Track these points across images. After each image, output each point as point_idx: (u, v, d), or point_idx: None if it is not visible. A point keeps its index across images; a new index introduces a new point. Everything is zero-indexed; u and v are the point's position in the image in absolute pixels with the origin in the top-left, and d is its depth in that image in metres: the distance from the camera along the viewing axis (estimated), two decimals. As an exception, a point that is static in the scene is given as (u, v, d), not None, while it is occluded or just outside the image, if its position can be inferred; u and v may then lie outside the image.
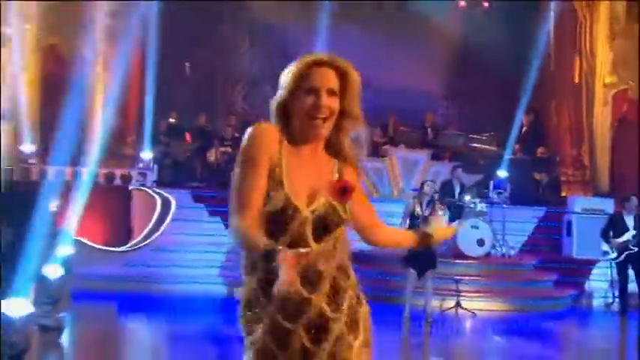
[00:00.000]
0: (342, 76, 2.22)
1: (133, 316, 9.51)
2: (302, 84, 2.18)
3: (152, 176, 12.42)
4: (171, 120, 14.72)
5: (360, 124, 2.32)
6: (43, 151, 12.79)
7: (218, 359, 7.79)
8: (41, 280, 7.87)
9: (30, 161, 12.56)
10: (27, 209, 8.59)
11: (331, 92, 2.19)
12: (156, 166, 12.72)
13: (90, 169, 11.91)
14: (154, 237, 11.28)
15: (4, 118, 12.71)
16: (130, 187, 12.10)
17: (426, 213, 8.72)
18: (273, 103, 2.22)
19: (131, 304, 9.73)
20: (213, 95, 16.08)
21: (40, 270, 7.69)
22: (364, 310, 2.34)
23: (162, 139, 13.75)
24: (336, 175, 2.29)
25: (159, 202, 11.62)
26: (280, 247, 2.02)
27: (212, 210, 11.46)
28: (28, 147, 12.69)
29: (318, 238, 2.17)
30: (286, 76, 2.21)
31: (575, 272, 11.56)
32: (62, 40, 13.66)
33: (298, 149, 2.24)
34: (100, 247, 11.01)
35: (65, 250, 9.36)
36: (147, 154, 12.81)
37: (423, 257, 8.50)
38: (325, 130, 2.22)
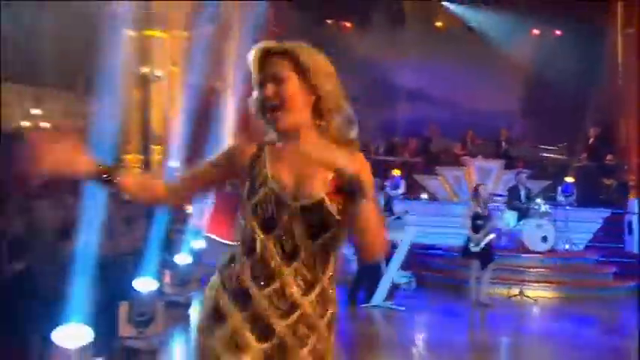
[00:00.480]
0: (296, 60, 1.90)
1: None
2: (253, 79, 1.95)
3: None
4: None
5: (341, 104, 1.95)
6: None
7: None
8: (173, 266, 8.67)
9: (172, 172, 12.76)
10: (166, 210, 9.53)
11: (278, 79, 1.89)
12: None
13: None
14: None
15: (156, 141, 13.82)
16: None
17: (485, 213, 9.15)
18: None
19: None
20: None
21: (172, 258, 8.57)
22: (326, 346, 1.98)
23: None
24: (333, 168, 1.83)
25: None
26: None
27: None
28: (173, 163, 13.05)
29: (309, 237, 1.87)
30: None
31: (636, 267, 11.20)
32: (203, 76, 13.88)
33: (281, 144, 1.95)
34: (226, 242, 11.25)
35: (198, 243, 10.24)
36: None
37: (484, 251, 8.82)
38: (284, 119, 1.89)
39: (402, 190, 12.52)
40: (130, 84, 13.42)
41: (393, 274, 8.55)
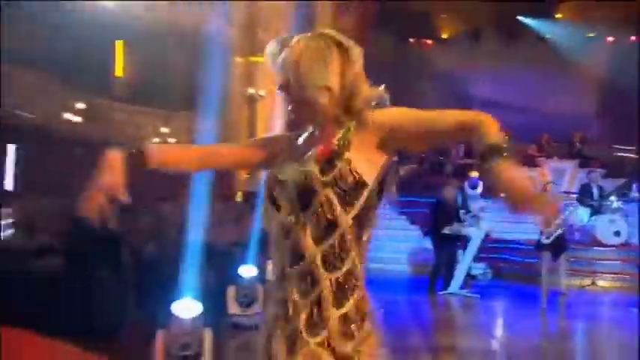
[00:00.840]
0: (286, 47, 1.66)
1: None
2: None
3: None
4: None
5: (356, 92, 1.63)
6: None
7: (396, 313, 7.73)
8: (236, 280, 6.79)
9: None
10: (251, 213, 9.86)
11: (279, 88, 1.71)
12: None
13: None
14: None
15: None
16: None
17: None
18: None
19: None
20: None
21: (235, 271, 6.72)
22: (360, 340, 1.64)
23: None
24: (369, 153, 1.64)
25: None
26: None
27: (400, 211, 12.03)
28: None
29: (304, 207, 1.59)
30: None
31: None
32: None
33: (296, 138, 1.75)
34: None
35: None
36: None
37: (555, 244, 8.65)
38: (295, 118, 1.70)
39: (479, 189, 12.51)
40: (240, 103, 14.24)
41: (467, 264, 8.68)
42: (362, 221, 1.63)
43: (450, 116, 1.65)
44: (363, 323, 1.67)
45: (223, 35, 13.83)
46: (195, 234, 5.18)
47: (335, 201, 1.58)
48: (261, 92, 13.98)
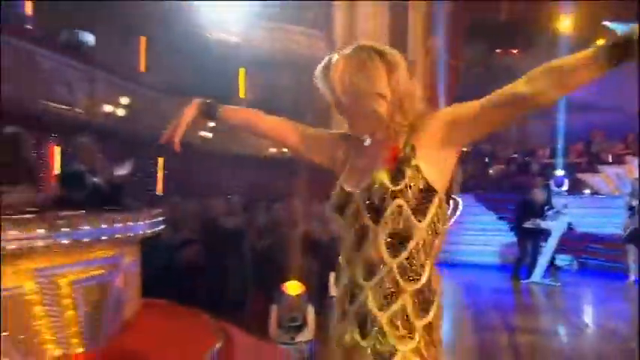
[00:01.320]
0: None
1: (458, 274, 9.11)
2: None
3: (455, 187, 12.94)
4: (463, 148, 15.56)
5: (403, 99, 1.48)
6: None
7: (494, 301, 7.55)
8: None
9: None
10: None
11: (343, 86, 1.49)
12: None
13: None
14: (449, 223, 12.05)
15: None
16: None
17: (632, 203, 8.66)
18: None
19: (445, 266, 10.10)
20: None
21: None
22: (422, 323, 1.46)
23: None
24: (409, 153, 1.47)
25: (451, 202, 12.38)
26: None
27: (487, 206, 11.82)
28: None
29: (375, 218, 1.44)
30: None
31: None
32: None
33: (358, 144, 1.56)
34: None
35: None
36: None
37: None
38: (355, 124, 1.54)
39: (565, 187, 12.03)
40: (342, 119, 14.62)
41: (548, 256, 8.45)
42: (435, 228, 1.46)
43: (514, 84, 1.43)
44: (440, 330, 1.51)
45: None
46: (302, 229, 5.67)
47: (408, 210, 1.42)
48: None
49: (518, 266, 8.53)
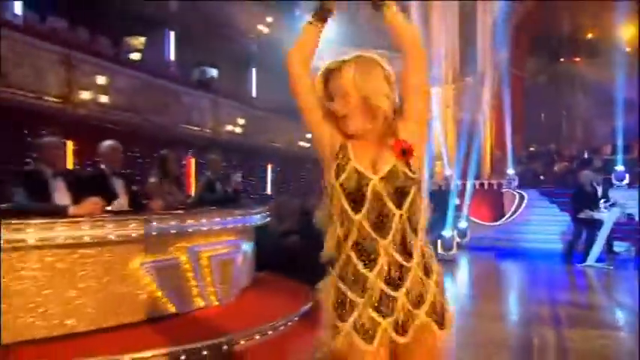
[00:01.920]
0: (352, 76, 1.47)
1: (503, 259, 9.46)
2: (321, 94, 1.53)
3: (514, 183, 12.42)
4: (531, 149, 14.93)
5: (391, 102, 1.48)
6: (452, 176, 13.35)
7: (551, 280, 7.51)
8: (442, 237, 8.90)
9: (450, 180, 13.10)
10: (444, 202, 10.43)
11: (342, 94, 1.47)
12: (517, 177, 12.60)
13: (474, 181, 12.83)
14: (514, 216, 11.58)
15: (437, 158, 13.96)
16: (502, 190, 12.51)
17: None
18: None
19: (502, 253, 9.81)
20: (559, 129, 15.80)
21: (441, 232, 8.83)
22: (434, 279, 1.48)
23: (523, 161, 13.94)
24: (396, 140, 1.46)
25: (517, 197, 11.90)
26: None
27: (551, 200, 11.44)
28: (448, 171, 13.52)
29: (398, 204, 1.43)
30: None
31: None
32: (466, 112, 14.03)
33: (360, 138, 1.49)
34: (484, 222, 11.70)
35: (463, 224, 10.94)
36: (510, 171, 12.85)
37: None
38: (351, 126, 1.48)
39: (626, 181, 11.48)
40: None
41: (601, 243, 8.28)
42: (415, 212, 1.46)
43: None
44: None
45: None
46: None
47: (418, 195, 1.45)
48: (433, 114, 14.30)
49: (570, 252, 8.44)
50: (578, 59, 15.14)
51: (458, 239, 10.48)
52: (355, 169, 1.44)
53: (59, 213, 3.16)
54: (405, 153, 1.42)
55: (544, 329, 4.67)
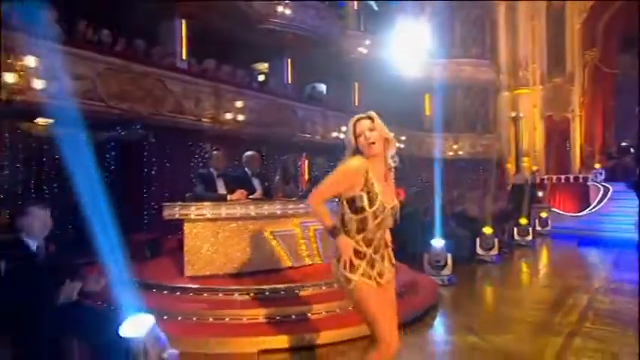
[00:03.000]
0: (372, 121, 2.19)
1: (585, 246, 9.51)
2: (353, 133, 2.20)
3: (600, 177, 12.30)
4: (623, 143, 14.23)
5: (392, 144, 2.23)
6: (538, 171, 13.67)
7: (615, 262, 7.65)
8: (518, 225, 9.42)
9: (536, 175, 13.27)
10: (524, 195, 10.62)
11: (372, 129, 2.17)
12: (603, 171, 12.45)
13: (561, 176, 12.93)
14: (597, 208, 11.60)
15: (525, 154, 14.58)
16: (588, 183, 12.46)
17: None
18: (350, 146, 2.24)
19: (583, 241, 9.90)
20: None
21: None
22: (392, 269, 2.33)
23: (614, 156, 13.51)
24: (392, 181, 2.31)
25: (602, 189, 11.83)
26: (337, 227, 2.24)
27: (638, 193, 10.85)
28: (535, 167, 13.48)
29: (392, 221, 2.25)
30: (350, 131, 2.23)
31: None
32: (555, 111, 14.57)
33: (370, 161, 2.20)
34: (567, 213, 11.84)
35: (544, 214, 11.23)
36: (597, 165, 12.82)
37: None
38: (376, 149, 2.18)
39: None
40: (508, 123, 14.89)
41: None
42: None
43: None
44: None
45: (494, 80, 14.67)
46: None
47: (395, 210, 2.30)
48: (521, 114, 14.36)
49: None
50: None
51: (539, 228, 10.77)
52: (382, 203, 2.18)
53: (222, 199, 4.65)
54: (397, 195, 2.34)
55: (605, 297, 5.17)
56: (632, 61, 14.04)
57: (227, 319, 3.91)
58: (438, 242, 6.06)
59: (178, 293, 4.26)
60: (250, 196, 4.87)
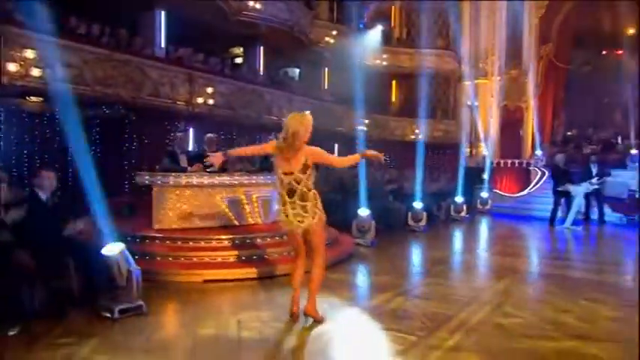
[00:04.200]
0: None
1: (519, 222, 10.87)
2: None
3: (541, 163, 13.55)
4: (569, 133, 15.72)
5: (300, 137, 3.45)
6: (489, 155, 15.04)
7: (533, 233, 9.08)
8: (454, 203, 11.03)
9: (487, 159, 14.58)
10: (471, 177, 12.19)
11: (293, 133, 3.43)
12: (543, 157, 13.65)
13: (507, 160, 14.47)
14: (533, 189, 12.93)
15: (484, 140, 15.95)
16: (530, 168, 13.79)
17: None
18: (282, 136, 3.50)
19: (513, 217, 11.49)
20: (597, 115, 16.18)
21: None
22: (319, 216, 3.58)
23: (558, 144, 14.85)
24: (303, 159, 3.52)
25: (539, 173, 13.18)
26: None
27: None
28: (486, 152, 15.00)
29: (297, 184, 3.54)
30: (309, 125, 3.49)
31: None
32: (510, 102, 15.83)
33: (283, 151, 3.55)
34: (506, 194, 13.25)
35: (484, 194, 12.84)
36: (538, 152, 14.00)
37: None
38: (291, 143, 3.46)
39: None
40: (465, 110, 16.32)
41: (574, 211, 9.61)
42: (307, 184, 3.55)
43: (332, 159, 3.68)
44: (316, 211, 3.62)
45: (456, 70, 16.09)
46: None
47: (305, 182, 3.55)
48: (476, 103, 15.81)
49: (552, 217, 10.00)
50: (620, 52, 15.44)
51: (480, 206, 12.39)
52: (283, 171, 3.56)
53: (183, 171, 6.13)
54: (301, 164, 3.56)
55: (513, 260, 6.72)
56: (583, 57, 15.54)
57: (182, 259, 5.45)
58: (363, 211, 7.57)
59: (147, 241, 5.77)
60: (207, 170, 6.35)
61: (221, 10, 10.79)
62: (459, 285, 5.42)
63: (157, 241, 5.74)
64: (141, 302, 4.09)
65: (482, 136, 15.49)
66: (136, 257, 5.05)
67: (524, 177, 13.87)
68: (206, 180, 6.09)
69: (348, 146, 14.57)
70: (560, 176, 9.92)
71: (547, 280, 5.66)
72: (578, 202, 9.77)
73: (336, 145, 15.03)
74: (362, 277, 5.76)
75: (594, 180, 10.09)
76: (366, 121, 14.33)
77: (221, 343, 3.54)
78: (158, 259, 5.46)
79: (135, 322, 3.92)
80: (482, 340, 3.60)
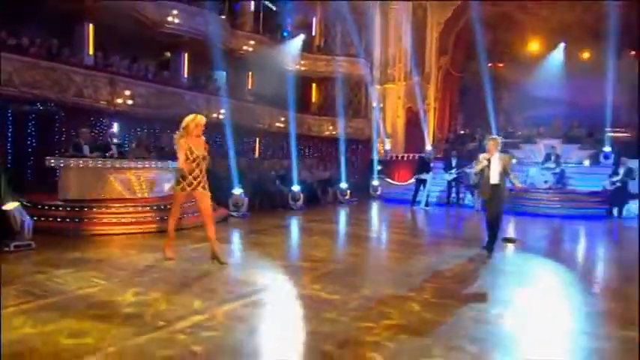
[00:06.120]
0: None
1: (394, 204, 12.89)
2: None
3: (429, 156, 16.41)
4: (462, 132, 18.57)
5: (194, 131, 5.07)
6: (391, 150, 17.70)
7: (400, 213, 12.39)
8: (338, 188, 13.99)
9: (390, 153, 17.36)
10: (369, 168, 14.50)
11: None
12: (432, 151, 16.59)
13: (404, 154, 16.85)
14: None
15: (388, 137, 18.60)
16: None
17: None
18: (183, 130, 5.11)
19: (395, 201, 13.52)
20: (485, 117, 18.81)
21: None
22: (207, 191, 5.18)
23: (450, 141, 17.59)
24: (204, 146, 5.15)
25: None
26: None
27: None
28: (388, 148, 17.43)
29: (201, 162, 5.10)
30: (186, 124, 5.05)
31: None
32: (413, 104, 18.67)
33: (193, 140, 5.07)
34: (396, 182, 15.54)
35: (375, 182, 15.23)
36: (428, 147, 16.63)
37: None
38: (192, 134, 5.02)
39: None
40: (374, 111, 18.63)
41: (425, 194, 12.17)
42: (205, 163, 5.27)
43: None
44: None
45: (367, 75, 18.40)
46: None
47: (205, 160, 5.28)
48: (381, 105, 18.19)
49: (413, 199, 12.47)
50: (501, 65, 18.06)
51: (372, 192, 14.76)
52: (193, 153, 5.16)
53: (86, 157, 8.21)
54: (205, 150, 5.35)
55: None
56: (474, 67, 18.05)
57: (77, 220, 7.54)
58: (237, 191, 9.81)
59: (53, 208, 7.81)
60: (106, 155, 8.43)
61: (143, 22, 12.78)
62: (279, 242, 7.63)
63: (60, 208, 7.78)
64: (31, 242, 6.15)
65: (384, 133, 17.80)
66: (42, 219, 7.14)
67: (414, 168, 16.25)
68: (102, 164, 8.17)
69: (267, 141, 16.81)
70: (421, 167, 12.33)
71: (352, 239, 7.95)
72: (427, 189, 12.20)
73: (257, 140, 17.25)
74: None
75: (453, 171, 12.54)
76: (283, 119, 16.46)
77: (83, 262, 5.65)
78: (58, 220, 7.52)
79: (26, 253, 5.98)
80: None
